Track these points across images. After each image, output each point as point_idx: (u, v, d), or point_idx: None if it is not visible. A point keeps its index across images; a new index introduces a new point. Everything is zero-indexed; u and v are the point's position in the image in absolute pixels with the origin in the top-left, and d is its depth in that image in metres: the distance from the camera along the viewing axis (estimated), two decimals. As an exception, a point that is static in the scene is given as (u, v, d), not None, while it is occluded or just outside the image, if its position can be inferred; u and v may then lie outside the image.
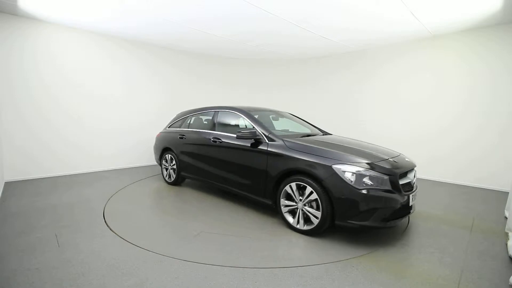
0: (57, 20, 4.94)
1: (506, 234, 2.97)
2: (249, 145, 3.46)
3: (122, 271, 2.25)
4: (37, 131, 5.09)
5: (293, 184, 2.98)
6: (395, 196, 2.70)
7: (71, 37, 5.34)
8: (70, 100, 5.42)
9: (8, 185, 4.62)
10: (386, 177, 2.70)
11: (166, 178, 4.95)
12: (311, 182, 2.83)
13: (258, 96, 7.88)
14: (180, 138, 4.64)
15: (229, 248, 2.64)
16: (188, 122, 4.87)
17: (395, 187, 2.73)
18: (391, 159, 2.99)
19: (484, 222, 3.41)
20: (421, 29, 4.93)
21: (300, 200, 2.95)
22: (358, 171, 2.67)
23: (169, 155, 4.84)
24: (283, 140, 3.23)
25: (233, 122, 4.09)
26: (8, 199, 3.95)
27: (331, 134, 4.14)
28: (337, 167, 2.73)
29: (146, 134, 6.51)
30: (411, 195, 2.86)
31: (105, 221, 3.24)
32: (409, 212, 2.92)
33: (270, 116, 4.31)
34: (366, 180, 2.66)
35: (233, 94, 7.86)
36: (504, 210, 3.70)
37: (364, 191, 2.62)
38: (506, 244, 2.77)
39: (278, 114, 4.41)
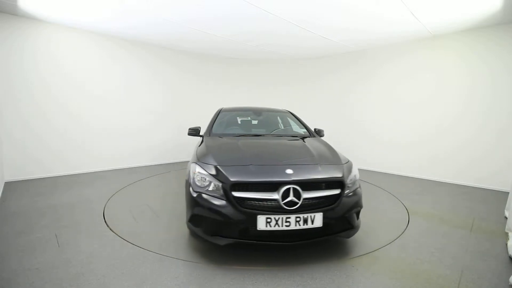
0: (57, 20, 4.94)
1: (506, 234, 2.96)
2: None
3: (122, 271, 2.25)
4: (37, 131, 5.09)
5: None
6: (225, 208, 2.25)
7: (71, 37, 5.34)
8: (70, 100, 5.42)
9: (8, 185, 4.62)
10: (220, 183, 2.33)
11: None
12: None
13: (258, 96, 7.88)
14: None
15: (229, 248, 2.64)
16: None
17: (228, 198, 2.27)
18: (258, 165, 2.48)
19: (484, 222, 3.41)
20: (421, 29, 4.93)
21: None
22: (200, 172, 2.47)
23: None
24: (202, 137, 3.55)
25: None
26: (8, 199, 3.95)
27: (317, 136, 3.78)
28: (192, 165, 2.63)
29: (146, 134, 6.52)
30: (292, 217, 2.20)
31: (105, 221, 3.24)
32: (286, 240, 2.29)
33: (249, 116, 4.34)
34: (203, 183, 2.41)
35: (233, 94, 7.86)
36: (504, 210, 3.70)
37: (194, 194, 2.40)
38: (506, 244, 2.77)
39: (258, 114, 4.33)
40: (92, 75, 5.65)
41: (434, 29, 4.95)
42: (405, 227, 3.23)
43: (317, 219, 2.26)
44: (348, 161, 2.88)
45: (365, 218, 3.50)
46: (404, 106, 5.87)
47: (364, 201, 4.12)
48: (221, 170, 2.42)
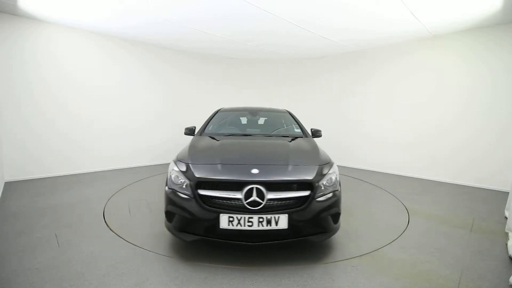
0: (57, 20, 4.94)
1: (506, 234, 2.97)
2: None
3: (122, 271, 2.25)
4: (37, 131, 5.09)
5: None
6: (191, 205, 2.30)
7: (71, 37, 5.34)
8: (71, 100, 5.42)
9: (8, 185, 4.62)
10: (188, 181, 2.39)
11: None
12: None
13: (258, 96, 7.88)
14: None
15: (229, 248, 2.64)
16: None
17: (194, 196, 2.32)
18: (226, 164, 2.50)
19: (484, 222, 3.41)
20: (421, 29, 4.93)
21: None
22: (174, 170, 2.56)
23: None
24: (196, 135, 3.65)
25: None
26: (8, 199, 3.95)
27: (309, 137, 3.70)
28: (171, 163, 2.71)
29: (146, 134, 6.52)
30: (255, 217, 2.20)
31: (105, 221, 3.25)
32: (253, 240, 2.27)
33: (242, 116, 4.34)
34: (176, 180, 2.48)
35: (233, 94, 7.86)
36: (504, 210, 3.70)
37: (168, 191, 2.48)
38: (506, 244, 2.77)
39: (254, 114, 4.34)
40: (92, 75, 5.65)
41: (434, 29, 4.95)
42: (405, 227, 3.23)
43: (281, 221, 2.23)
44: (328, 162, 2.71)
45: (365, 218, 3.51)
46: (404, 106, 5.87)
47: (364, 201, 4.18)
48: (191, 168, 2.47)
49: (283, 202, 2.30)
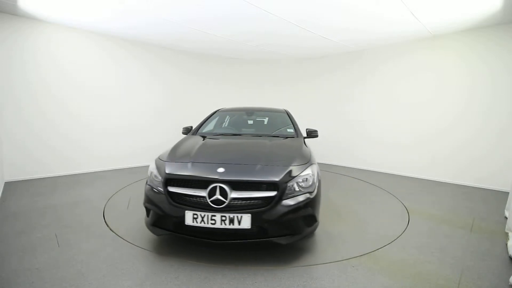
0: (57, 20, 4.94)
1: (506, 234, 2.97)
2: None
3: (122, 271, 2.25)
4: (37, 131, 5.09)
5: None
6: (162, 201, 2.39)
7: (71, 37, 5.33)
8: (71, 100, 5.42)
9: (8, 185, 4.62)
10: (160, 178, 2.49)
11: None
12: None
13: (258, 96, 7.89)
14: None
15: (229, 248, 2.64)
16: None
17: (165, 192, 2.40)
18: (196, 162, 2.55)
19: (484, 222, 3.41)
20: (421, 29, 4.93)
21: None
22: (153, 167, 2.68)
23: None
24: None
25: None
26: (8, 199, 3.95)
27: (300, 137, 3.63)
28: (153, 161, 2.82)
29: (146, 134, 6.52)
30: (217, 215, 2.22)
31: (105, 221, 3.25)
32: (216, 238, 2.31)
33: (244, 116, 4.37)
34: (152, 176, 2.62)
35: (233, 94, 7.86)
36: (504, 210, 3.70)
37: (147, 187, 2.60)
38: (506, 244, 2.78)
39: (250, 114, 4.37)
40: (92, 75, 5.65)
41: (434, 29, 4.95)
42: (405, 227, 3.23)
43: (244, 220, 2.21)
44: (305, 163, 2.62)
45: (365, 218, 3.50)
46: (404, 106, 5.87)
47: (364, 201, 4.18)
48: (165, 165, 2.57)
49: (247, 202, 2.29)
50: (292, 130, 3.82)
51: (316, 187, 2.53)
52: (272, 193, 2.31)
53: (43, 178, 5.13)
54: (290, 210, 2.30)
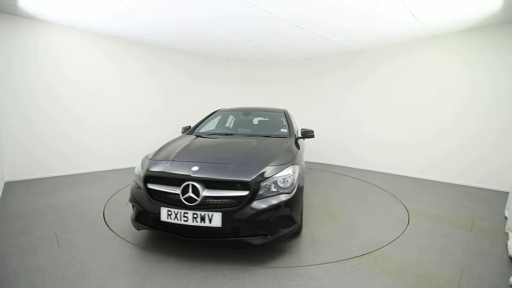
0: (57, 20, 4.94)
1: (506, 234, 2.97)
2: None
3: (122, 271, 2.25)
4: (37, 130, 5.09)
5: None
6: (142, 197, 2.48)
7: (72, 37, 5.33)
8: (71, 100, 5.42)
9: (8, 185, 4.62)
10: (141, 174, 2.60)
11: None
12: None
13: (258, 96, 7.88)
14: None
15: (229, 248, 2.64)
16: None
17: (144, 189, 2.49)
18: (174, 161, 2.61)
19: (484, 222, 3.41)
20: (421, 29, 4.92)
21: None
22: (138, 164, 2.83)
23: None
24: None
25: None
26: (8, 199, 3.95)
27: (291, 137, 3.56)
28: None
29: (146, 134, 6.51)
30: (189, 213, 2.25)
31: (105, 221, 3.25)
32: (188, 235, 2.35)
33: (240, 116, 4.44)
34: (136, 173, 2.74)
35: (233, 94, 7.86)
36: (504, 210, 3.70)
37: (133, 184, 2.71)
38: (506, 244, 2.78)
39: (247, 114, 4.42)
40: (92, 75, 5.65)
41: (434, 29, 4.95)
42: (405, 227, 3.23)
43: (215, 219, 2.23)
44: (285, 163, 2.58)
45: (365, 218, 3.50)
46: (405, 106, 5.87)
47: (364, 201, 4.18)
48: (147, 163, 2.69)
49: (219, 200, 2.31)
50: (285, 130, 3.81)
51: (296, 188, 2.49)
52: (243, 193, 2.31)
53: (44, 178, 5.13)
54: (263, 210, 2.28)
